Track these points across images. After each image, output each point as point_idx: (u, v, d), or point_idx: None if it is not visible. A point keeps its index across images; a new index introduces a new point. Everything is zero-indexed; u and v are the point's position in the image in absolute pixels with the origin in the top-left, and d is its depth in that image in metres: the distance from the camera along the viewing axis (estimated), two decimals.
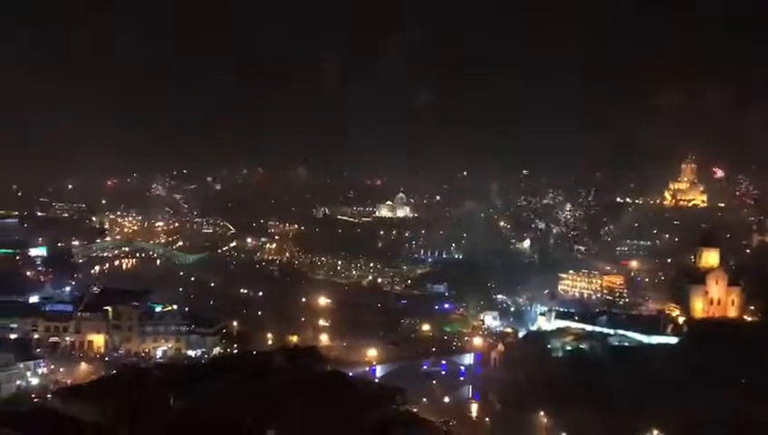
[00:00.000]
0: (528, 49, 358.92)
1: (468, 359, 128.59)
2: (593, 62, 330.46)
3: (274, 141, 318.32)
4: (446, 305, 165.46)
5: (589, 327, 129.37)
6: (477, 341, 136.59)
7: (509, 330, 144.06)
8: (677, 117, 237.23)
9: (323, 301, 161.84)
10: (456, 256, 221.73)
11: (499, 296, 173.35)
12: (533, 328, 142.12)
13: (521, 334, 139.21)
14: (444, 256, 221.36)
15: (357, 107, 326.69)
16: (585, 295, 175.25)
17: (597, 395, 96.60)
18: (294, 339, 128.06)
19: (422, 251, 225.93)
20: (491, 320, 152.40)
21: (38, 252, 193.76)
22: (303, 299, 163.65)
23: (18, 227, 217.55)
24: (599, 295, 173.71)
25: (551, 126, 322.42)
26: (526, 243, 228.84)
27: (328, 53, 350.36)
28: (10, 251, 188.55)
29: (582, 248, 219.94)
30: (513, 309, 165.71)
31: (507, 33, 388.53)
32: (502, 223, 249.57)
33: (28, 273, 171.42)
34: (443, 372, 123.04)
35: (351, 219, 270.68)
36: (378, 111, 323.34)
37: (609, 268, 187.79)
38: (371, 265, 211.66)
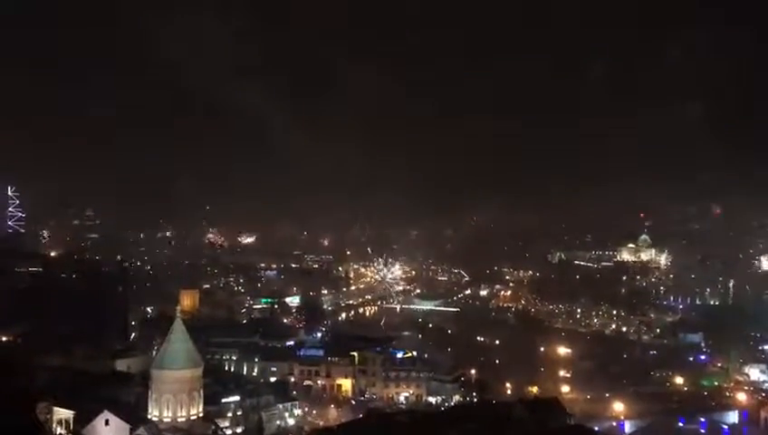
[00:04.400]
0: None
1: (732, 417, 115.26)
2: None
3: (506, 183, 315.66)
4: (702, 357, 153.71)
5: None
6: (741, 397, 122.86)
7: None
8: None
9: (563, 350, 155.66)
10: (712, 302, 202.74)
11: (767, 347, 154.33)
12: None
13: None
14: (697, 301, 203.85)
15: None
16: None
17: None
18: (534, 390, 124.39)
19: (672, 297, 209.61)
20: (758, 373, 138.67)
21: (293, 301, 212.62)
22: (542, 348, 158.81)
23: (277, 279, 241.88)
24: None
25: None
26: None
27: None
28: (270, 300, 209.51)
29: None
30: None
31: None
32: (766, 263, 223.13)
33: (285, 320, 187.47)
34: (702, 431, 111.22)
35: (590, 264, 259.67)
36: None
37: None
38: (614, 312, 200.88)
